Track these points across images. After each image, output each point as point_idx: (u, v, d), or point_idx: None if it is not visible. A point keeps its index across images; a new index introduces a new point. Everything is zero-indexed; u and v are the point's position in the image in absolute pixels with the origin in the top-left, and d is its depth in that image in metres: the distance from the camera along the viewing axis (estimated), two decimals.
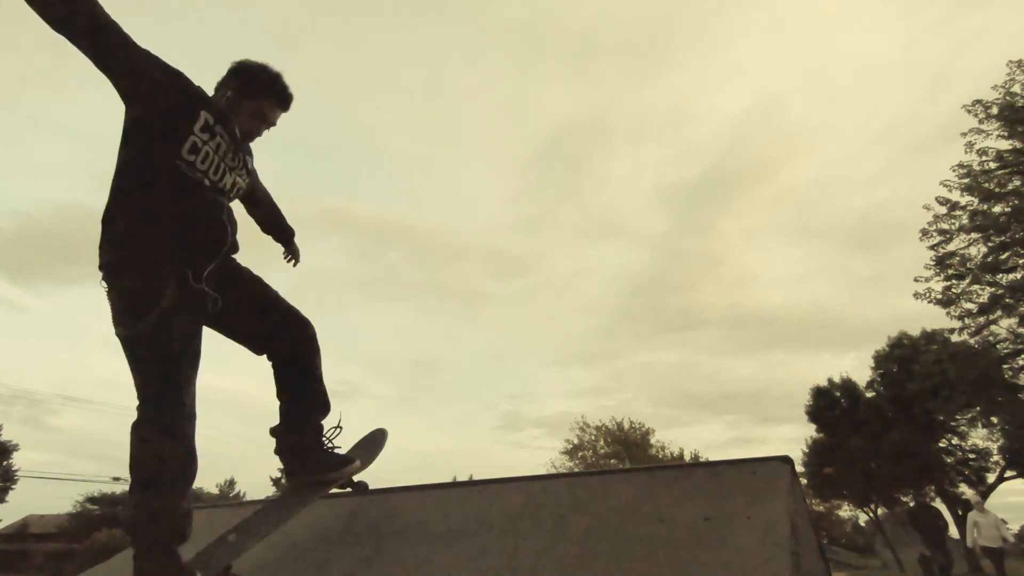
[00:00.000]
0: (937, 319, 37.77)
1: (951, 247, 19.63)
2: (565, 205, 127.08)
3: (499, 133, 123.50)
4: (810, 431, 36.48)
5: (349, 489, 3.30)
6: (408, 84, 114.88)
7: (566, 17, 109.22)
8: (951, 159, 19.34)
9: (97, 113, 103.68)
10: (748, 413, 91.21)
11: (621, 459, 35.72)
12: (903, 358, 29.46)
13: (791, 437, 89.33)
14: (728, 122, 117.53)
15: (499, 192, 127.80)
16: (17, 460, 33.83)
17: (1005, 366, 19.80)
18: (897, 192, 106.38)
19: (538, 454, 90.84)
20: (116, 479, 31.95)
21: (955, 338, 20.50)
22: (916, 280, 20.40)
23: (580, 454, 37.79)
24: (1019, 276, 18.38)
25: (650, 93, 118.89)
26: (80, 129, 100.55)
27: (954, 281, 19.68)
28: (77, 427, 75.31)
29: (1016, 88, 18.40)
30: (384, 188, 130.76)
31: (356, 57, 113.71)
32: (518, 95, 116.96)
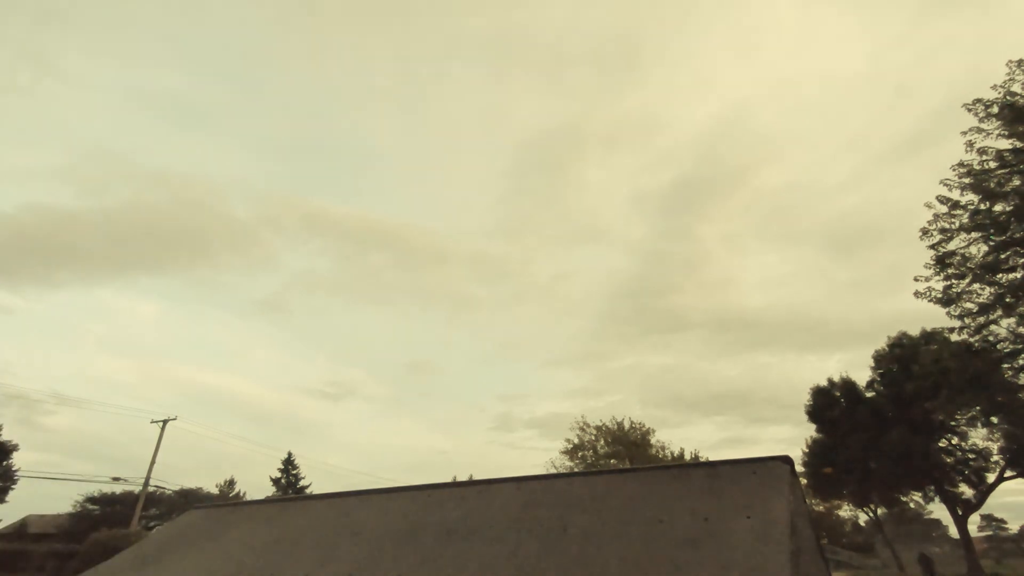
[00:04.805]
0: (922, 320, 37.83)
1: (951, 246, 19.61)
2: (545, 211, 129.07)
3: (478, 140, 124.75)
4: (802, 432, 36.70)
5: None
6: (390, 90, 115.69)
7: (535, 32, 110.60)
8: (919, 166, 19.49)
9: (81, 119, 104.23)
10: (737, 414, 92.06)
11: (621, 459, 35.68)
12: (903, 358, 29.44)
13: (781, 438, 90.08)
14: (698, 131, 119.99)
15: (480, 198, 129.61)
16: (16, 460, 33.88)
17: (1005, 366, 19.78)
18: (868, 198, 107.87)
19: (530, 455, 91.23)
20: (116, 479, 31.94)
21: (955, 337, 20.49)
22: (916, 279, 20.41)
23: (580, 454, 37.74)
24: (1019, 276, 18.36)
25: (621, 103, 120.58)
26: (63, 134, 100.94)
27: (954, 280, 19.67)
28: (72, 427, 75.39)
29: (1016, 87, 18.40)
30: (366, 192, 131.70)
31: (340, 62, 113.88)
32: (495, 104, 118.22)
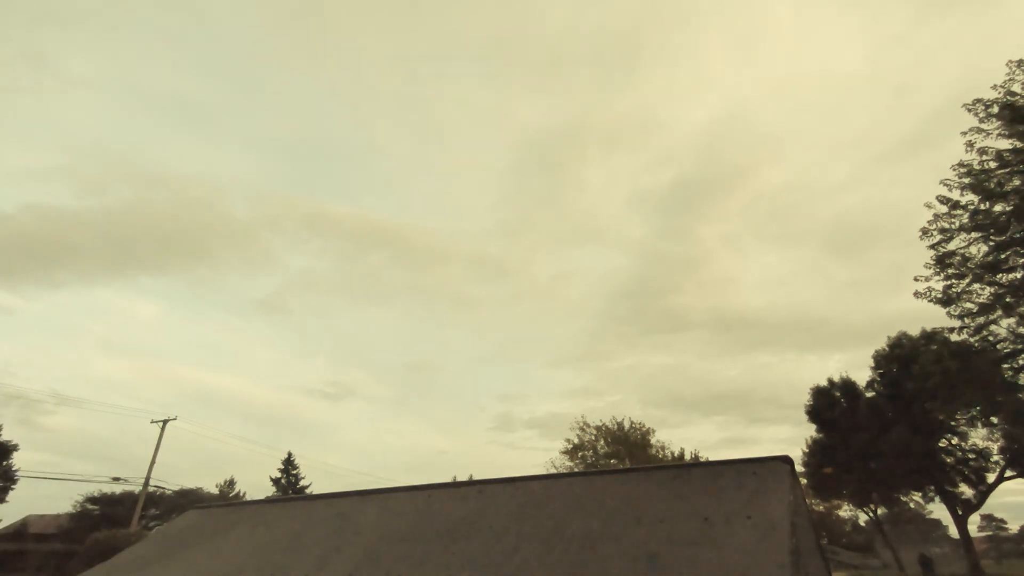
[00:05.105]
0: (922, 320, 37.90)
1: (951, 246, 19.62)
2: (545, 211, 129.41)
3: (478, 140, 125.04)
4: (802, 432, 36.68)
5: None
6: (390, 90, 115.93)
7: (535, 32, 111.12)
8: (919, 166, 19.56)
9: (81, 119, 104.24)
10: (737, 414, 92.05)
11: (621, 459, 35.67)
12: (903, 358, 29.44)
13: (781, 438, 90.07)
14: (697, 131, 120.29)
15: (480, 198, 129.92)
16: (16, 460, 33.89)
17: (1005, 366, 19.79)
18: (868, 198, 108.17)
19: (530, 455, 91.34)
20: (116, 479, 31.93)
21: (955, 337, 20.49)
22: (916, 279, 20.42)
23: (580, 454, 37.73)
24: (1019, 276, 18.37)
25: (620, 103, 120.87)
26: (63, 134, 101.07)
27: (954, 280, 19.68)
28: (72, 427, 75.38)
29: (1016, 87, 18.40)
30: (366, 192, 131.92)
31: (340, 62, 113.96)
32: (496, 103, 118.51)
